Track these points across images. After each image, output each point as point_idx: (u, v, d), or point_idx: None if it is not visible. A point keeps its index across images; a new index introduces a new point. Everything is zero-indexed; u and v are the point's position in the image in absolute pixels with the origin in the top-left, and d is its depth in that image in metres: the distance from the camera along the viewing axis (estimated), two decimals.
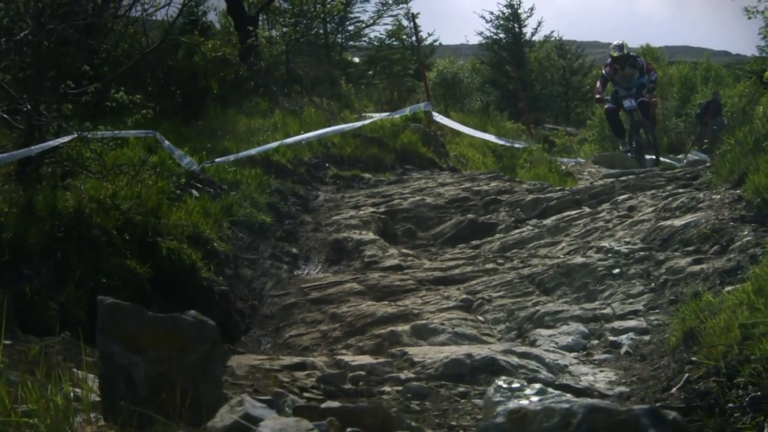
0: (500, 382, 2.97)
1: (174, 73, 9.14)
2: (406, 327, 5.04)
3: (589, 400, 2.30)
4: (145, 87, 7.47)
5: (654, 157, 12.60)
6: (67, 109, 5.76)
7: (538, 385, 2.92)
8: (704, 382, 3.19)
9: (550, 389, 2.92)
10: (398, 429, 2.40)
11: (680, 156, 17.13)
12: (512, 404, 2.61)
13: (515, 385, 2.95)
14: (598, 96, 13.74)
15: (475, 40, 35.66)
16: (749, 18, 6.76)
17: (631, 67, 12.76)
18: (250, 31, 10.91)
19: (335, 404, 2.48)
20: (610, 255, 5.83)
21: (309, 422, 2.15)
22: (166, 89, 8.23)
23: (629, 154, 13.12)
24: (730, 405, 2.83)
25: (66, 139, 5.78)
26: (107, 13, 7.81)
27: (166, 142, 7.18)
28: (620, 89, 12.86)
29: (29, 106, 5.67)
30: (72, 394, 2.36)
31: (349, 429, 2.30)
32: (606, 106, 13.47)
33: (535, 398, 2.79)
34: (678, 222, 6.01)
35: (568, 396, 2.75)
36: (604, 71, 13.29)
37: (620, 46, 12.77)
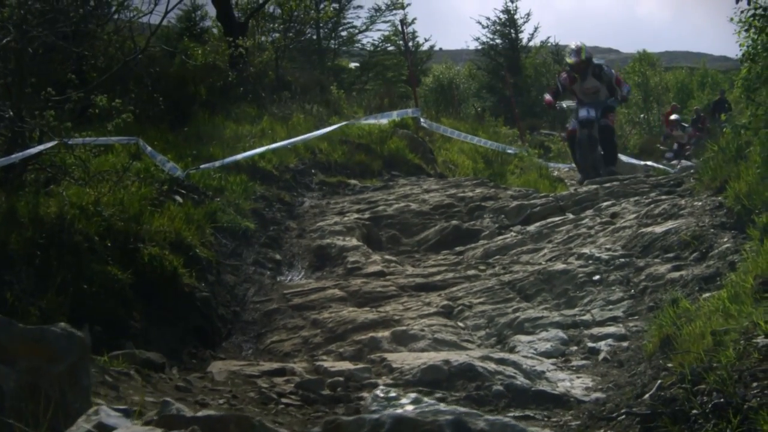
0: (377, 392, 3.04)
1: (162, 80, 9.13)
2: (387, 333, 5.05)
3: (397, 412, 2.38)
4: (130, 93, 7.45)
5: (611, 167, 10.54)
6: (51, 116, 5.77)
7: (413, 395, 2.98)
8: (673, 389, 3.21)
9: (425, 399, 2.98)
10: None
11: (674, 162, 17.16)
12: (388, 413, 2.66)
13: (392, 394, 3.02)
14: (548, 103, 11.11)
15: (474, 45, 35.67)
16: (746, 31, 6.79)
17: (595, 78, 10.31)
18: (234, 41, 10.88)
19: (205, 413, 2.52)
20: (590, 261, 5.85)
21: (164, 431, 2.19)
22: (152, 95, 8.22)
23: (583, 181, 10.28)
24: (694, 412, 2.83)
25: (48, 145, 5.78)
26: (94, 20, 7.81)
27: (149, 149, 7.17)
28: (582, 109, 10.44)
29: (12, 113, 5.68)
30: None
31: None
32: (568, 127, 11.10)
33: (410, 407, 2.86)
34: (659, 229, 6.04)
35: (441, 406, 2.81)
36: (558, 79, 10.92)
37: (577, 51, 10.33)
